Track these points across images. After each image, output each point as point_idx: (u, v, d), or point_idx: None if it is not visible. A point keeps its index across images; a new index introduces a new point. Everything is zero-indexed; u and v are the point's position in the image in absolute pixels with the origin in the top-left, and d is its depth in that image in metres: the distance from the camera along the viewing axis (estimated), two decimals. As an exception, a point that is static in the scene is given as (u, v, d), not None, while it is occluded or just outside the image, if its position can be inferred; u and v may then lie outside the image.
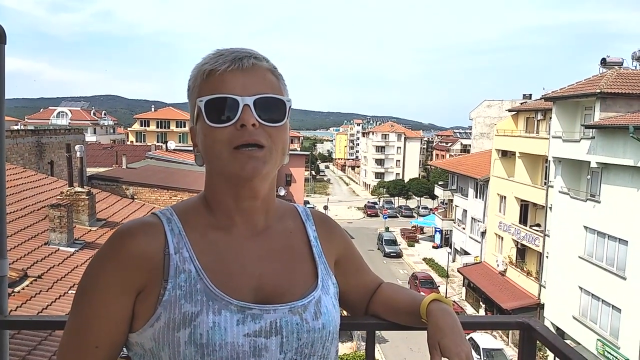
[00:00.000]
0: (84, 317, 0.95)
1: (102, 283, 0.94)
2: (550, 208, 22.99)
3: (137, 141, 68.22)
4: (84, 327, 0.95)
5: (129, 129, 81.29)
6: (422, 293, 1.19)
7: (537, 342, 1.35)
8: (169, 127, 72.50)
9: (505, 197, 28.58)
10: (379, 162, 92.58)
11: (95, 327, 0.94)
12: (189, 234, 0.99)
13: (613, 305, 18.29)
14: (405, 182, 72.25)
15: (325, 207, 53.56)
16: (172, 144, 36.24)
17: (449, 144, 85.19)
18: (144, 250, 0.95)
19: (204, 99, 0.94)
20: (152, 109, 79.60)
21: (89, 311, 0.95)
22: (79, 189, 12.18)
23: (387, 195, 70.12)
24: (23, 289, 7.63)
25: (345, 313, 1.29)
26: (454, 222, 37.58)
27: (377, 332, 1.35)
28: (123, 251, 0.95)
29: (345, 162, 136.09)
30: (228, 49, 0.98)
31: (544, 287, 23.55)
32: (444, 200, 43.34)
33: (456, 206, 37.03)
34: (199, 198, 1.06)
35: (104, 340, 0.95)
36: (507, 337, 24.78)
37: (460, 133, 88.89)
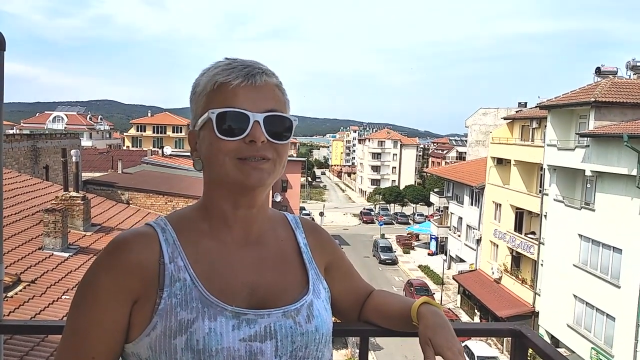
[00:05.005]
0: (81, 327, 0.95)
1: (98, 293, 0.95)
2: (545, 216, 23.06)
3: (133, 146, 68.06)
4: (81, 337, 0.95)
5: (125, 134, 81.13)
6: (416, 299, 1.20)
7: (529, 349, 1.36)
8: (165, 133, 72.40)
9: (500, 204, 28.67)
10: (375, 168, 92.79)
11: (91, 337, 0.95)
12: (183, 243, 1.01)
13: (607, 314, 18.33)
14: (401, 189, 72.45)
15: (321, 214, 53.51)
16: (168, 149, 36.21)
17: (445, 151, 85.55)
18: (139, 260, 0.96)
19: (216, 111, 0.96)
20: (149, 114, 79.51)
21: (85, 321, 0.95)
22: (74, 194, 12.14)
23: (383, 202, 70.19)
24: (16, 293, 7.58)
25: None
26: (450, 230, 37.62)
27: (371, 338, 1.36)
28: (119, 261, 0.96)
29: (341, 169, 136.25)
30: (239, 62, 1.00)
31: (539, 295, 23.58)
32: (439, 207, 43.40)
33: (452, 213, 37.09)
34: (194, 207, 1.08)
35: (100, 351, 0.95)
36: (502, 345, 24.76)
37: (456, 140, 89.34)
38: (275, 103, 1.00)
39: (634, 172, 16.44)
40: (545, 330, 21.77)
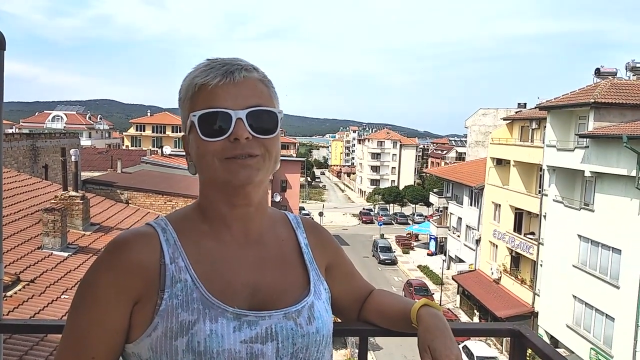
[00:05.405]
0: (81, 327, 0.95)
1: (98, 294, 0.95)
2: (545, 216, 23.07)
3: (132, 146, 68.10)
4: (81, 337, 0.94)
5: (124, 133, 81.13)
6: (416, 300, 1.20)
7: (528, 349, 1.36)
8: (164, 132, 72.40)
9: (499, 205, 28.68)
10: (375, 169, 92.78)
11: (92, 337, 0.94)
12: (183, 244, 1.00)
13: (606, 314, 18.35)
14: (401, 189, 72.43)
15: (321, 214, 53.50)
16: (167, 149, 36.18)
17: (445, 152, 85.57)
18: (140, 260, 0.96)
19: (197, 113, 0.96)
20: (148, 114, 79.51)
21: (85, 322, 0.95)
22: (73, 193, 12.13)
23: (382, 202, 70.18)
24: (15, 293, 7.58)
25: (338, 320, 1.31)
26: (449, 230, 37.63)
27: (370, 338, 1.36)
28: (119, 261, 0.95)
29: (340, 169, 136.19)
30: (218, 61, 0.99)
31: (538, 295, 23.59)
32: (439, 207, 43.41)
33: (451, 214, 37.10)
34: (193, 207, 1.07)
35: (100, 351, 0.95)
36: (501, 345, 24.77)
37: (455, 141, 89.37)
38: (259, 98, 0.98)
39: (633, 173, 16.45)
40: (545, 331, 21.78)
